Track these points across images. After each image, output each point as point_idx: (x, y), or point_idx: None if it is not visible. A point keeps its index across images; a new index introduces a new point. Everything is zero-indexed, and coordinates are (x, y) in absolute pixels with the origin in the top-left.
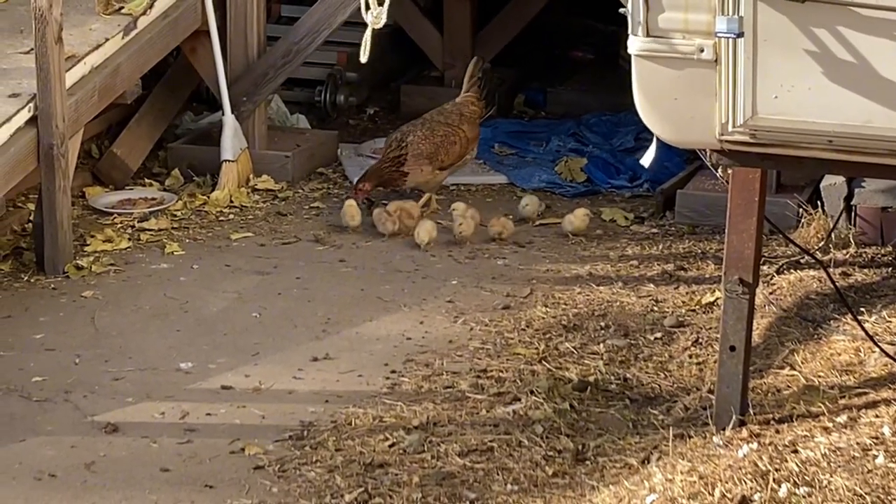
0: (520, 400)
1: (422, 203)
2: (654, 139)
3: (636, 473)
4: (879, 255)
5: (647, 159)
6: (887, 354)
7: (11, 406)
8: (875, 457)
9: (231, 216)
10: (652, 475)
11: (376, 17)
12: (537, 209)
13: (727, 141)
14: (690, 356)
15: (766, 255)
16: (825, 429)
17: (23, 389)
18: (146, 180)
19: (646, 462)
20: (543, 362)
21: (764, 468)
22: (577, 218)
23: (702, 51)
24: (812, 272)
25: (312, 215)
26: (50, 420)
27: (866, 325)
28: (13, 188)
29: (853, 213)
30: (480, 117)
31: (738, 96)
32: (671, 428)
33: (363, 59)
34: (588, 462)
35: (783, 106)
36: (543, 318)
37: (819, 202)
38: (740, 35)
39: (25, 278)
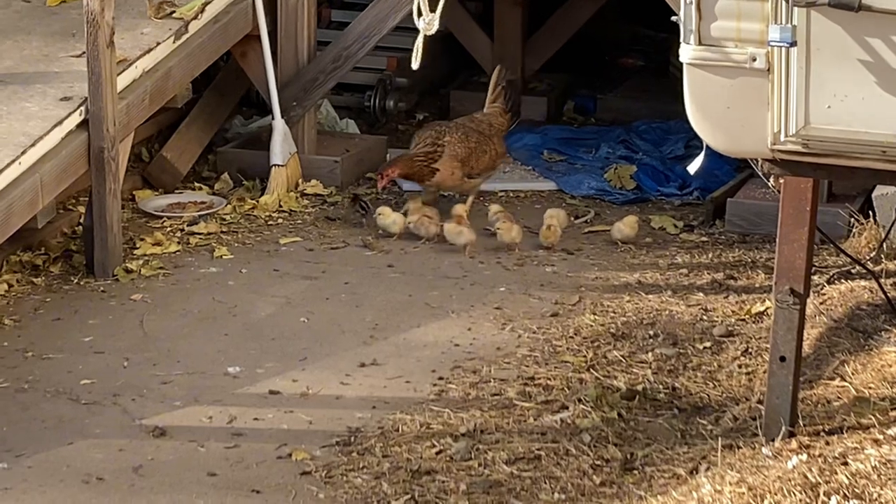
0: (567, 408)
1: (467, 208)
2: (704, 147)
3: (684, 484)
4: None
5: (693, 166)
6: None
7: (60, 408)
8: None
9: (280, 221)
10: (700, 486)
11: (428, 24)
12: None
13: (779, 150)
14: (740, 366)
15: (816, 264)
16: (876, 441)
17: (71, 392)
18: (196, 184)
19: (694, 472)
20: (591, 370)
21: (814, 480)
22: (627, 226)
23: (754, 60)
24: (863, 282)
25: (361, 220)
26: (98, 423)
27: None
28: (64, 191)
29: None
30: (507, 130)
31: (791, 106)
32: (720, 438)
33: (415, 65)
34: (636, 472)
35: (836, 116)
36: (592, 325)
37: (871, 212)
38: (793, 44)
39: (75, 281)
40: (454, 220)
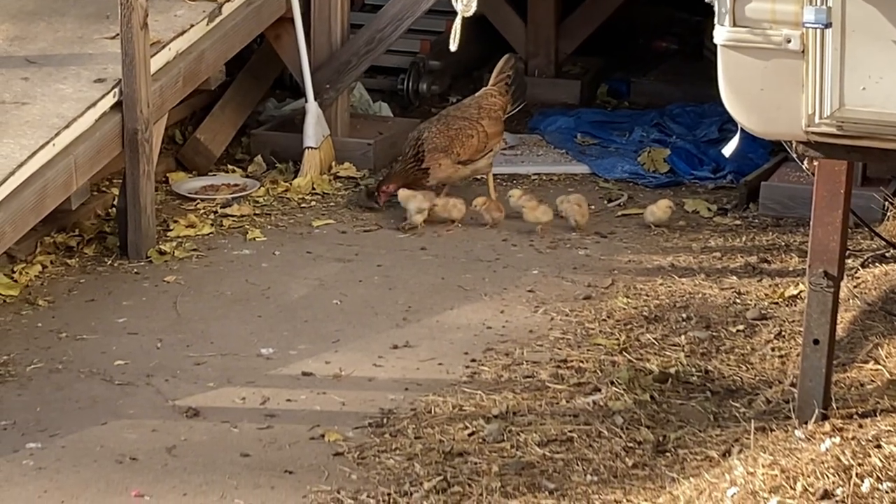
0: (600, 390)
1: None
2: (738, 130)
3: (717, 466)
4: None
5: (728, 149)
6: None
7: (94, 389)
8: None
9: (313, 203)
10: (733, 468)
11: (466, 6)
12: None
13: (813, 132)
14: (773, 349)
15: (850, 248)
16: None
17: (105, 373)
18: (229, 166)
19: (727, 455)
20: (624, 353)
21: (846, 463)
22: (660, 209)
23: (789, 41)
24: None
25: (394, 203)
26: (132, 404)
27: None
28: (98, 173)
29: None
30: (503, 111)
31: (826, 87)
32: (753, 421)
33: (453, 47)
34: (668, 454)
35: (871, 98)
36: (625, 308)
37: None
38: (828, 25)
39: (109, 262)
40: (484, 201)
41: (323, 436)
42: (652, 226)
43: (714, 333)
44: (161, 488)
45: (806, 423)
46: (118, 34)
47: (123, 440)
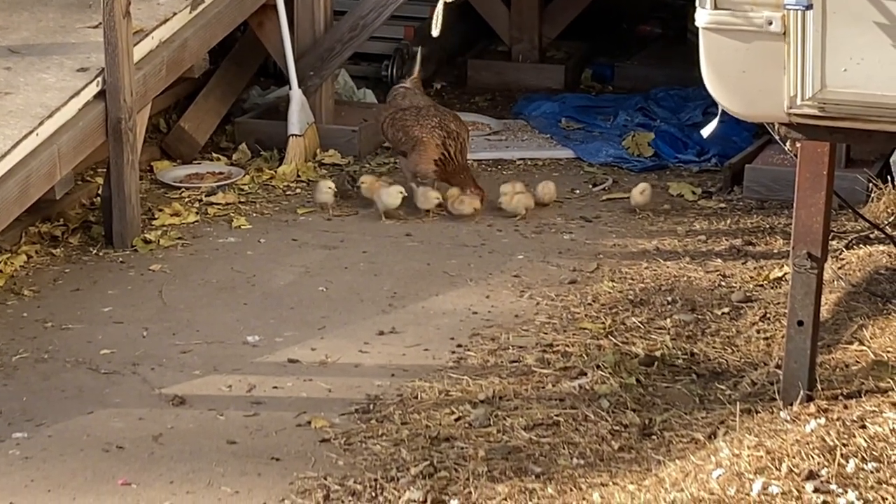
0: (586, 374)
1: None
2: (719, 112)
3: (703, 448)
4: None
5: (707, 130)
6: None
7: (80, 378)
8: None
9: (298, 190)
10: (719, 450)
11: None
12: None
13: (795, 114)
14: (758, 331)
15: (835, 229)
16: (894, 404)
17: (91, 362)
18: (214, 154)
19: (712, 437)
20: (610, 337)
21: (831, 443)
22: (644, 193)
23: (770, 23)
24: (881, 247)
25: (350, 190)
26: (118, 392)
27: None
28: (82, 162)
29: None
30: None
31: (807, 69)
32: (738, 403)
33: (435, 33)
34: (654, 437)
35: (852, 79)
36: (610, 292)
37: (889, 177)
38: (809, 7)
39: (94, 252)
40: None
41: (309, 422)
42: (637, 210)
43: (699, 316)
44: (148, 476)
45: (791, 404)
46: (101, 23)
47: (110, 429)
